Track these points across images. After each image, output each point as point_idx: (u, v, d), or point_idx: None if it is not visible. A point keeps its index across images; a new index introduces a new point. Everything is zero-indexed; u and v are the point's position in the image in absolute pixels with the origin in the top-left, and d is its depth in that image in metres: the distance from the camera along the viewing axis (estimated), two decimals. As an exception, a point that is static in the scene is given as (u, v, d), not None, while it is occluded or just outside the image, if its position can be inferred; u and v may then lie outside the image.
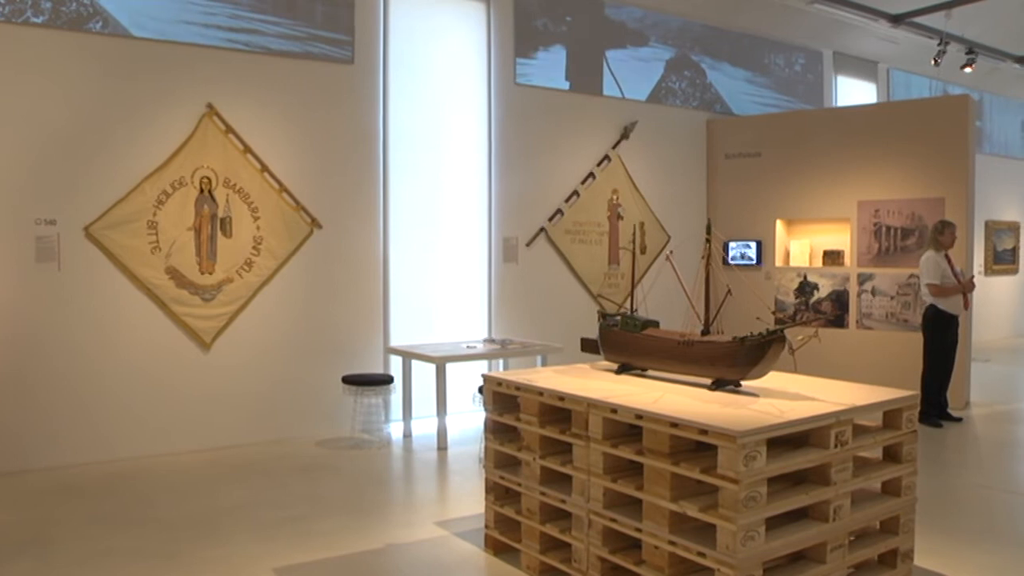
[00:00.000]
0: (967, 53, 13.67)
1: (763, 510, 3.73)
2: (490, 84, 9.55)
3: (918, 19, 12.66)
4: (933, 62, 13.26)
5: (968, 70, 13.91)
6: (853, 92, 13.94)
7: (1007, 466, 7.85)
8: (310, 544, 5.28)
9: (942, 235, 8.85)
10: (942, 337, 8.91)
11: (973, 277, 9.21)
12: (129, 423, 7.46)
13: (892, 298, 10.18)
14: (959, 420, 9.09)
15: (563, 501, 4.55)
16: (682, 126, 11.42)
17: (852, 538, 4.32)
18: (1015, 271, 17.44)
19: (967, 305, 8.93)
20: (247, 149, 7.97)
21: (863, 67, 14.14)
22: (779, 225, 11.12)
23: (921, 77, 14.96)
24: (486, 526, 5.21)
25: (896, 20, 12.59)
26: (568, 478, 4.52)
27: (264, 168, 8.06)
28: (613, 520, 4.23)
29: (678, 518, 3.92)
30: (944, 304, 8.80)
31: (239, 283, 7.95)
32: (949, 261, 8.83)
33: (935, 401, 9.02)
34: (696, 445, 3.94)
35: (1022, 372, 13.06)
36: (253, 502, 6.17)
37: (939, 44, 13.11)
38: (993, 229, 16.70)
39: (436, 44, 9.19)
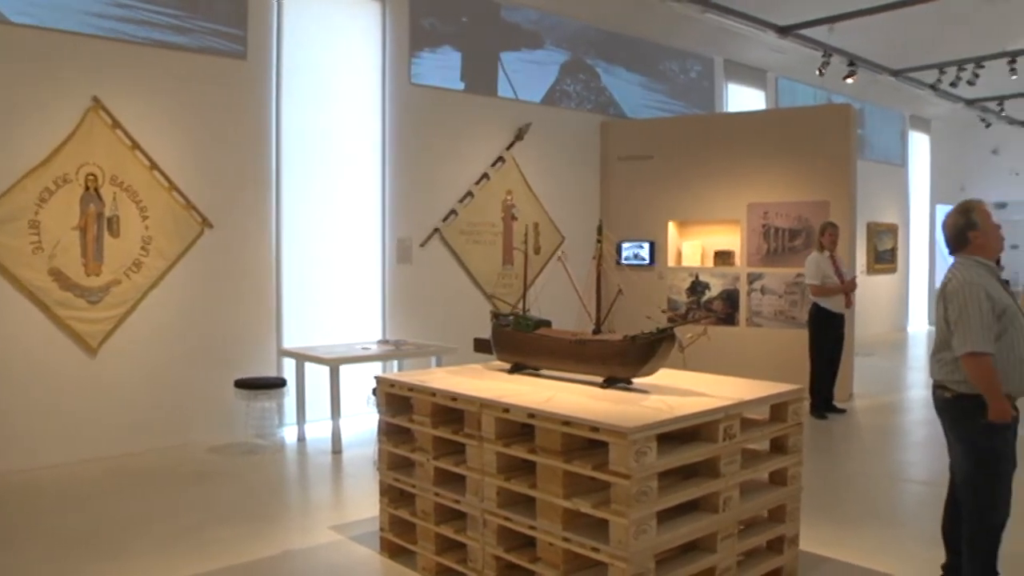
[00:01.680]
0: (849, 65, 14.22)
1: (654, 504, 3.79)
2: (384, 83, 9.47)
3: (803, 31, 13.09)
4: (818, 72, 13.77)
5: (850, 81, 14.47)
6: (743, 98, 14.33)
7: (888, 454, 8.23)
8: (205, 554, 5.14)
9: (822, 236, 9.23)
10: (825, 334, 9.26)
11: (855, 278, 9.56)
12: (11, 434, 7.04)
13: (780, 296, 10.50)
14: (843, 412, 9.44)
15: (457, 501, 4.54)
16: (576, 128, 11.54)
17: (741, 527, 4.43)
18: (894, 270, 18.20)
19: (848, 304, 9.30)
20: (135, 145, 7.68)
21: (752, 75, 14.56)
22: (671, 226, 11.34)
23: (806, 86, 15.48)
24: (381, 529, 5.17)
25: (783, 31, 12.98)
26: (462, 478, 4.51)
27: (153, 165, 7.78)
28: (507, 519, 4.24)
29: (571, 515, 3.95)
30: (826, 303, 9.17)
31: (127, 284, 7.66)
32: (835, 262, 9.17)
33: (823, 395, 9.38)
34: (588, 442, 3.97)
35: (902, 365, 13.62)
36: (146, 513, 5.96)
37: (823, 56, 13.63)
38: (874, 231, 17.40)
39: (330, 42, 9.07)
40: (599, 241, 5.11)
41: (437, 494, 4.68)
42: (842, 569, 4.95)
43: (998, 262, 4.38)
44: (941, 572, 4.60)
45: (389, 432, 5.11)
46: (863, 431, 8.97)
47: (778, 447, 4.71)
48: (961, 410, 4.22)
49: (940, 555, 4.60)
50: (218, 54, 8.19)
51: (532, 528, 4.11)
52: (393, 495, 5.09)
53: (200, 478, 6.88)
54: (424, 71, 9.79)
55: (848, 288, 9.24)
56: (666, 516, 3.94)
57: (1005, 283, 4.35)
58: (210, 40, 8.13)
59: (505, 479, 4.24)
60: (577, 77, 11.55)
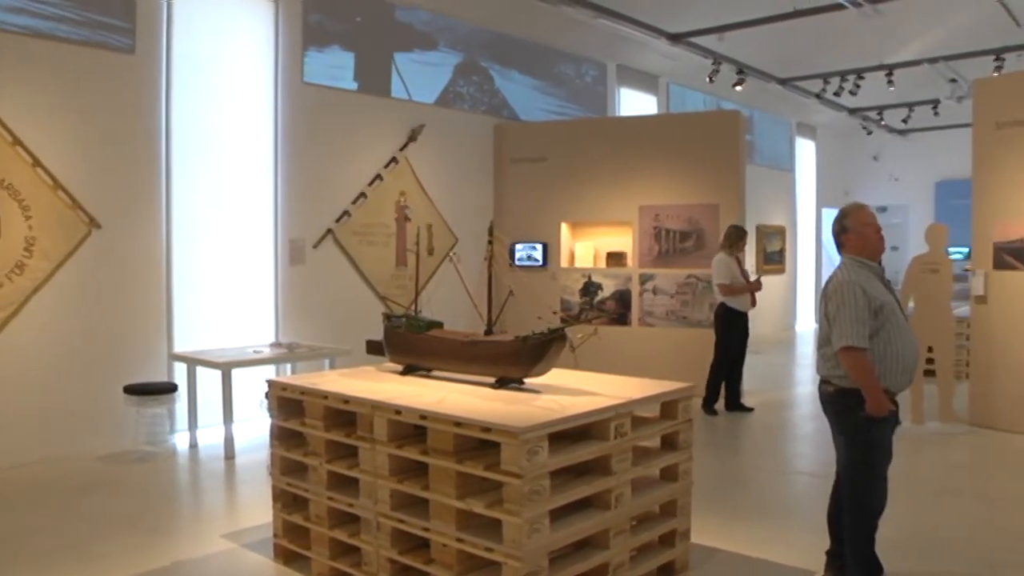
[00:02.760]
0: (738, 73, 14.62)
1: (547, 502, 3.83)
2: (277, 82, 9.31)
3: (694, 39, 13.40)
4: (708, 79, 14.10)
5: (739, 88, 14.88)
6: (635, 103, 14.60)
7: (777, 448, 8.50)
8: (91, 570, 4.95)
9: (728, 239, 9.62)
10: (733, 333, 9.60)
11: (760, 278, 9.93)
12: None
13: (672, 297, 10.73)
14: (751, 410, 9.72)
15: (351, 505, 4.51)
16: (470, 130, 11.56)
17: (634, 523, 4.51)
18: (783, 271, 18.78)
19: (754, 303, 9.67)
20: (16, 141, 7.34)
21: (645, 80, 14.83)
22: (564, 228, 11.45)
23: (697, 92, 15.86)
24: (275, 535, 5.09)
25: (675, 39, 13.26)
26: (356, 481, 4.47)
27: (36, 162, 7.45)
28: (401, 521, 4.23)
29: (465, 515, 3.96)
30: (734, 302, 9.49)
31: (9, 287, 7.32)
32: (739, 263, 9.56)
33: (730, 393, 9.72)
34: (480, 443, 3.99)
35: (790, 362, 14.06)
36: (28, 529, 5.69)
37: (713, 63, 13.98)
38: (764, 233, 17.92)
39: (222, 38, 8.86)
40: (490, 242, 5.15)
41: (331, 498, 4.64)
42: (732, 559, 5.11)
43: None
44: (826, 558, 4.77)
45: (282, 436, 5.04)
46: (753, 426, 9.24)
47: (669, 444, 4.80)
48: (843, 404, 4.42)
49: (826, 542, 4.77)
50: (105, 48, 7.90)
51: (426, 530, 4.10)
52: (286, 500, 5.02)
53: (87, 489, 6.63)
54: (317, 70, 9.67)
55: (755, 288, 9.61)
56: (559, 514, 3.98)
57: (887, 283, 4.54)
58: (97, 33, 7.84)
59: (398, 481, 4.23)
60: (471, 79, 11.59)
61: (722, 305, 9.59)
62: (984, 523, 5.93)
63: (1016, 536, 5.65)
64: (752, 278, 9.75)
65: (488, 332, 4.96)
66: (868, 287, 4.32)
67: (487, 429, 3.82)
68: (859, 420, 4.33)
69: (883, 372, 4.30)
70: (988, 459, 7.91)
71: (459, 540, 3.95)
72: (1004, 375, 8.83)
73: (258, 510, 5.87)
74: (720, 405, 9.68)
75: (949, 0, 13.11)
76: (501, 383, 4.67)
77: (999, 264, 8.90)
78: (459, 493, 3.94)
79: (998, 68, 13.94)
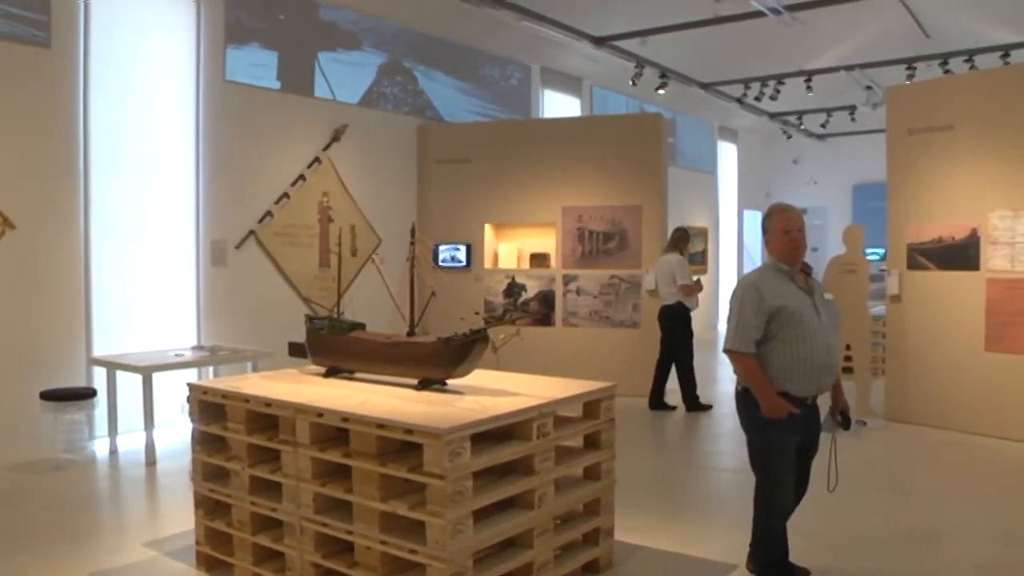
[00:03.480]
0: (661, 77, 14.84)
1: (470, 503, 3.86)
2: (198, 80, 9.17)
3: (618, 43, 13.55)
4: (631, 82, 14.29)
5: (662, 92, 15.11)
6: (559, 105, 14.71)
7: (700, 445, 8.67)
8: (3, 584, 4.82)
9: (681, 241, 9.99)
10: (685, 331, 9.89)
11: (700, 279, 10.17)
12: None
13: (596, 297, 10.86)
14: (709, 408, 9.97)
15: (274, 509, 4.47)
16: (394, 131, 11.52)
17: (558, 522, 4.56)
18: (705, 271, 19.09)
19: (697, 303, 9.99)
20: (-77, 139, 7.12)
21: (568, 82, 14.96)
22: (488, 229, 11.50)
23: (620, 95, 16.04)
24: (197, 543, 5.00)
25: (598, 42, 13.39)
26: (279, 486, 4.44)
27: (-55, 162, 7.24)
28: (325, 525, 4.21)
29: (389, 518, 3.97)
30: (688, 301, 9.78)
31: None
32: None
33: (689, 390, 9.97)
34: (403, 445, 4.00)
35: (712, 361, 14.29)
36: (-67, 542, 5.49)
37: (636, 67, 14.16)
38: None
39: (143, 33, 8.66)
40: (412, 243, 5.16)
41: (253, 503, 4.59)
42: (655, 556, 5.20)
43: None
44: (748, 551, 4.88)
45: (203, 441, 4.96)
46: (676, 425, 9.40)
47: (592, 443, 4.86)
48: (744, 403, 4.55)
49: (748, 537, 4.88)
50: (18, 40, 7.64)
51: (350, 533, 4.10)
52: (209, 506, 4.95)
53: (2, 499, 6.42)
54: (239, 68, 9.54)
55: (700, 288, 9.97)
56: (483, 515, 4.01)
57: (811, 286, 4.62)
58: (10, 25, 7.59)
59: (321, 484, 4.21)
60: (395, 80, 11.55)
61: (679, 304, 9.79)
62: (901, 514, 6.15)
63: (930, 526, 5.88)
64: (693, 279, 10.01)
65: (411, 333, 4.97)
66: (769, 290, 4.37)
67: (409, 431, 3.83)
68: (756, 421, 4.44)
69: (785, 376, 4.37)
70: (903, 452, 8.19)
71: (383, 543, 3.95)
72: (918, 371, 9.18)
73: (180, 517, 5.77)
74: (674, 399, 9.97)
75: (864, 12, 13.51)
76: (424, 384, 4.68)
77: (913, 264, 9.24)
78: (382, 495, 3.95)
79: (910, 76, 14.41)
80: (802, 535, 5.12)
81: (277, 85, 10.00)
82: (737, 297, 4.44)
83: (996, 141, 8.65)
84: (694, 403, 9.95)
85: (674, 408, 9.95)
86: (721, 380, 12.35)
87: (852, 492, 6.68)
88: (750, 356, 4.35)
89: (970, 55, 14.01)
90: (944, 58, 14.30)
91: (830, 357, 4.44)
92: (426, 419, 3.88)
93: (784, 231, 4.48)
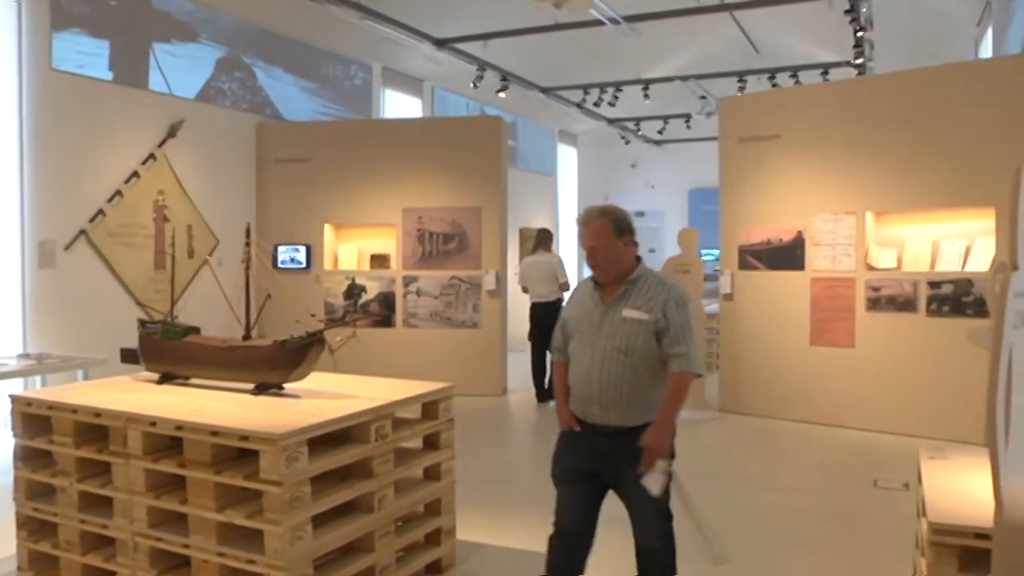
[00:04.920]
0: (502, 80, 15.01)
1: (309, 509, 3.83)
2: (21, 67, 8.63)
3: (459, 45, 13.63)
4: (472, 85, 14.39)
5: (502, 95, 15.28)
6: (400, 106, 14.67)
7: (542, 441, 8.77)
8: None
9: (550, 240, 10.50)
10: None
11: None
12: None
13: (436, 298, 10.90)
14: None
15: (105, 526, 4.28)
16: (232, 128, 11.19)
17: (399, 523, 4.57)
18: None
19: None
20: None
21: (410, 83, 14.93)
22: (328, 229, 11.36)
23: (461, 97, 16.12)
24: (19, 567, 4.70)
25: (440, 44, 13.42)
26: (110, 501, 4.26)
27: None
28: (159, 539, 4.08)
29: (226, 528, 3.89)
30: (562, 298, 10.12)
31: None
32: None
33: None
34: (240, 452, 3.93)
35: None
36: None
37: (478, 69, 14.27)
38: (526, 236, 18.45)
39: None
40: (248, 244, 5.06)
41: (82, 520, 4.37)
42: (498, 553, 5.29)
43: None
44: None
45: (27, 457, 4.66)
46: (517, 422, 9.57)
47: (431, 444, 4.89)
48: None
49: (601, 529, 5.00)
50: None
51: (186, 546, 3.99)
52: (32, 527, 4.66)
53: None
54: (67, 56, 9.00)
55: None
56: (322, 520, 3.98)
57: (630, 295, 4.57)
58: None
59: (155, 497, 4.08)
60: (233, 75, 11.22)
61: (559, 301, 10.22)
62: (731, 498, 6.51)
63: (758, 508, 6.28)
64: None
65: (246, 337, 4.87)
66: (572, 300, 4.18)
67: (245, 437, 3.77)
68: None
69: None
70: (736, 441, 8.68)
71: (220, 554, 3.87)
72: (749, 365, 9.76)
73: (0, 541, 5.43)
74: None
75: (700, 26, 14.14)
76: (260, 389, 4.61)
77: (744, 265, 9.81)
78: (219, 505, 3.87)
79: (741, 88, 15.15)
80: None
81: (109, 76, 9.52)
82: None
83: (818, 151, 9.33)
84: (549, 395, 10.33)
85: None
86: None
87: (685, 480, 7.00)
88: (559, 363, 4.15)
89: (795, 71, 15.02)
90: (772, 73, 15.21)
91: (589, 385, 3.89)
92: (262, 425, 3.83)
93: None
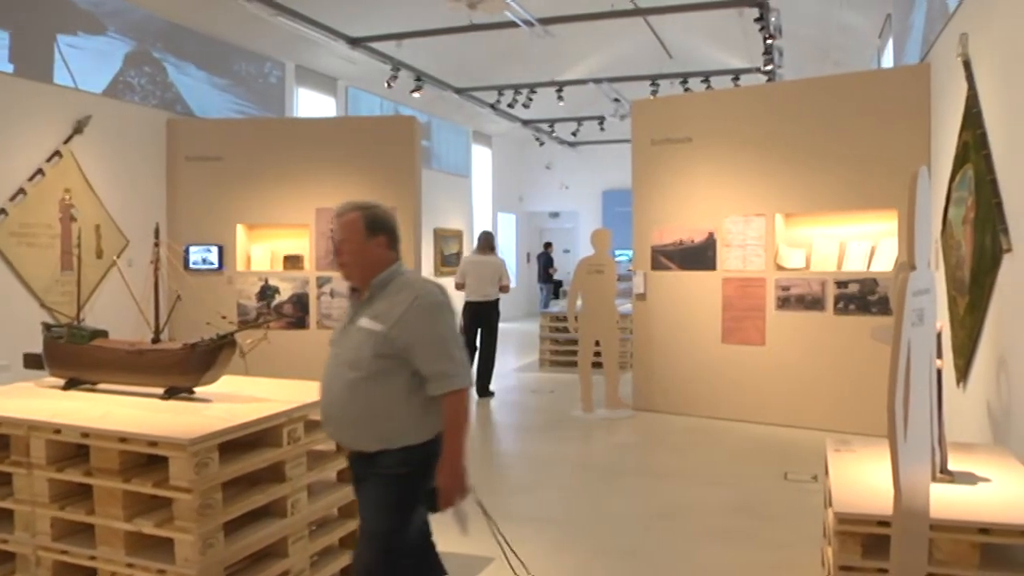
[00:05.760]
0: (416, 80, 14.98)
1: (220, 516, 3.76)
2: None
3: (373, 44, 13.54)
4: (387, 84, 14.32)
5: (417, 95, 15.25)
6: (314, 104, 14.52)
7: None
8: None
9: (493, 243, 11.07)
10: (497, 325, 10.88)
11: None
12: None
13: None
14: (493, 395, 11.00)
15: (5, 541, 4.14)
16: (141, 124, 10.85)
17: (313, 528, 4.51)
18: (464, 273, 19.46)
19: None
20: None
21: (323, 82, 14.78)
22: (240, 230, 11.13)
23: (375, 97, 16.03)
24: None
25: (354, 43, 13.31)
26: (10, 513, 4.11)
27: None
28: (65, 552, 3.96)
29: (135, 537, 3.80)
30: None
31: None
32: None
33: (488, 378, 10.98)
34: (149, 459, 3.84)
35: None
36: None
37: (392, 69, 14.21)
38: (440, 236, 18.48)
39: None
40: (157, 245, 4.95)
41: (-22, 535, 4.21)
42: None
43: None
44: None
45: (-83, 471, 4.48)
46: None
47: (344, 446, 4.85)
48: None
49: (507, 528, 5.02)
50: None
51: (92, 558, 3.88)
52: (-78, 545, 4.48)
53: None
54: (-37, 51, 8.69)
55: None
56: (234, 526, 3.92)
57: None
58: None
59: (60, 508, 3.95)
60: (143, 70, 10.91)
61: (497, 302, 10.78)
62: (645, 495, 6.64)
63: (671, 503, 6.37)
64: None
65: (156, 340, 4.76)
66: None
67: (154, 443, 3.68)
68: None
69: None
70: (650, 439, 8.80)
71: (129, 565, 3.78)
72: (662, 363, 9.91)
73: None
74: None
75: (614, 30, 14.33)
76: (170, 393, 4.51)
77: (656, 265, 9.97)
78: (127, 514, 3.77)
79: (654, 92, 15.38)
80: (553, 524, 5.39)
81: (10, 68, 9.13)
82: None
83: (729, 154, 9.53)
84: (487, 390, 10.90)
85: (493, 394, 10.90)
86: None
87: (599, 478, 7.16)
88: None
89: (707, 76, 15.44)
90: (684, 77, 15.55)
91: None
92: (171, 430, 3.74)
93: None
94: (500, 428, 9.49)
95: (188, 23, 11.54)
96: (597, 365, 9.88)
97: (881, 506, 3.39)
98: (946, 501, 3.58)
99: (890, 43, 11.89)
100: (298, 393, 4.63)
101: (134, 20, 10.71)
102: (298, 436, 4.29)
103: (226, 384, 4.75)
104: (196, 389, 4.56)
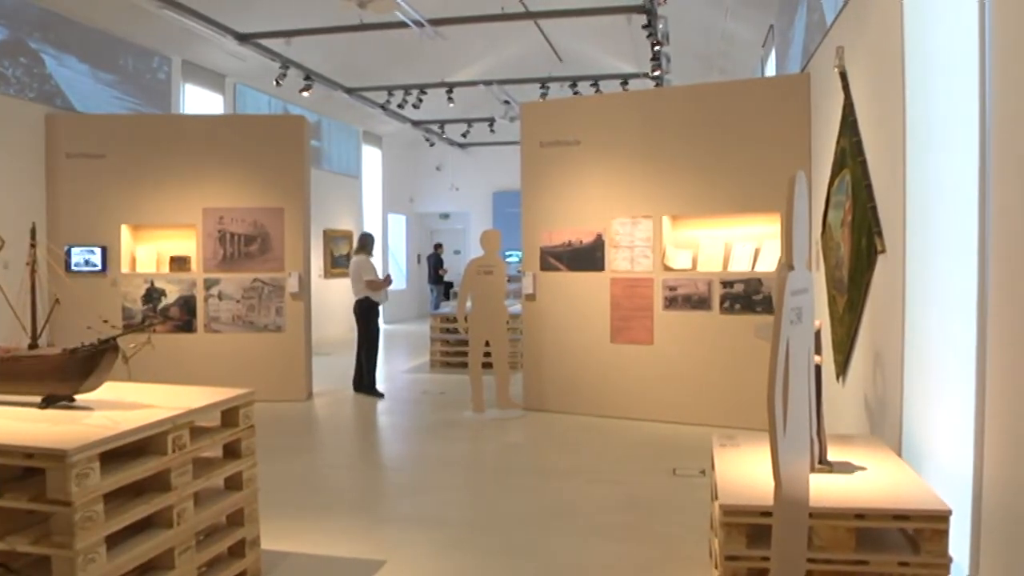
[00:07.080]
0: (305, 79, 14.80)
1: (102, 528, 3.63)
2: None
3: (262, 41, 13.31)
4: (275, 82, 14.09)
5: (306, 94, 15.06)
6: (201, 101, 14.16)
7: (347, 444, 8.80)
8: None
9: (369, 244, 11.36)
10: (373, 322, 11.04)
11: (390, 274, 11.20)
12: None
13: (238, 301, 10.58)
14: (383, 395, 11.06)
15: None
16: (17, 118, 10.37)
17: (201, 537, 4.40)
18: (348, 274, 19.27)
19: (386, 297, 11.21)
20: None
21: (211, 78, 14.44)
22: (125, 230, 10.77)
23: (264, 95, 15.75)
24: None
25: (243, 39, 13.05)
26: None
27: None
28: (-73, 574, 3.77)
29: (9, 557, 3.64)
30: (375, 296, 11.04)
31: None
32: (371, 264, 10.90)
33: (370, 376, 11.19)
34: (25, 471, 3.69)
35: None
36: None
37: (281, 67, 13.99)
38: (331, 237, 18.27)
39: None
40: (33, 246, 4.75)
41: None
42: (304, 560, 5.20)
43: None
44: None
45: None
46: (322, 425, 9.45)
47: (232, 452, 4.73)
48: None
49: (397, 532, 5.00)
50: None
51: (-39, 581, 3.70)
52: None
53: None
54: None
55: (389, 282, 11.35)
56: (117, 539, 3.79)
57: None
58: None
59: (-74, 525, 3.75)
60: (18, 61, 10.41)
61: (367, 299, 10.99)
62: (535, 493, 6.70)
63: (568, 503, 6.44)
64: (382, 275, 11.35)
65: (33, 346, 4.57)
66: None
67: (30, 455, 3.52)
68: None
69: None
70: (540, 438, 8.89)
71: (1, 583, 3.62)
72: (552, 363, 10.02)
73: None
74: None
75: (504, 32, 14.41)
76: (48, 402, 4.32)
77: (545, 266, 10.07)
78: (1, 532, 3.60)
79: (543, 95, 15.56)
80: (446, 524, 5.39)
81: None
82: None
83: (617, 157, 9.70)
84: (371, 387, 11.11)
85: (382, 396, 10.96)
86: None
87: (491, 478, 7.22)
88: None
89: (596, 80, 15.70)
90: (574, 80, 15.73)
91: None
92: (49, 440, 3.59)
93: None
94: (391, 429, 9.45)
95: (69, 12, 11.10)
96: (488, 366, 9.94)
97: (764, 497, 3.52)
98: (825, 490, 3.78)
99: (773, 53, 12.31)
100: (183, 399, 4.50)
101: (8, 7, 10.22)
102: (183, 443, 4.17)
103: (108, 391, 4.59)
104: (76, 397, 4.38)
